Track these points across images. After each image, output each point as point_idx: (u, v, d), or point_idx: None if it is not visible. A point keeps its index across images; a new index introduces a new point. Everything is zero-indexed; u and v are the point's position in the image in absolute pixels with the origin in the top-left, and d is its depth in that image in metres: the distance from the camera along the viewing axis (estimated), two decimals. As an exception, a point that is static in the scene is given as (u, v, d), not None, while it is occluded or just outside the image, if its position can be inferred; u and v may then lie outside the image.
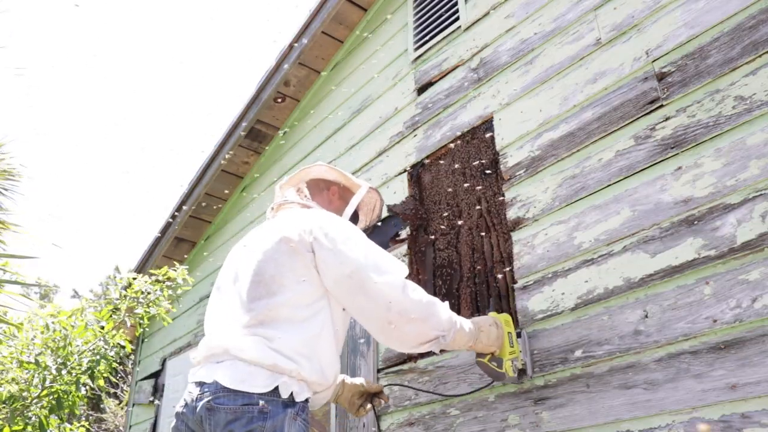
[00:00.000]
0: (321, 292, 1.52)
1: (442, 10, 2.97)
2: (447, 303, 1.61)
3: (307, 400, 1.47)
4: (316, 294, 1.52)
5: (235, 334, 1.48)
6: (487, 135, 2.44)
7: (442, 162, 2.63)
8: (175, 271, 3.48)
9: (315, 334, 1.49)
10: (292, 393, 1.42)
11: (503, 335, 1.73)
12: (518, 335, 1.88)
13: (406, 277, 1.57)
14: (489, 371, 1.73)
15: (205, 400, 1.41)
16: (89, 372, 3.00)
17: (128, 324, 3.36)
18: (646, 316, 1.66)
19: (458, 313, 2.33)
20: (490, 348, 1.70)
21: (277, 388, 1.40)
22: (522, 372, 1.85)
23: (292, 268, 1.51)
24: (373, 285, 1.48)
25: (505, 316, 1.78)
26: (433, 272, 2.49)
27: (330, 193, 1.88)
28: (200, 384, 1.46)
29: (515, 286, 2.06)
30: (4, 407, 2.78)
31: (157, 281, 3.42)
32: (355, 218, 1.93)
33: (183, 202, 4.64)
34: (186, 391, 1.52)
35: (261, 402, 1.37)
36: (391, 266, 1.55)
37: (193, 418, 1.44)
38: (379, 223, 2.80)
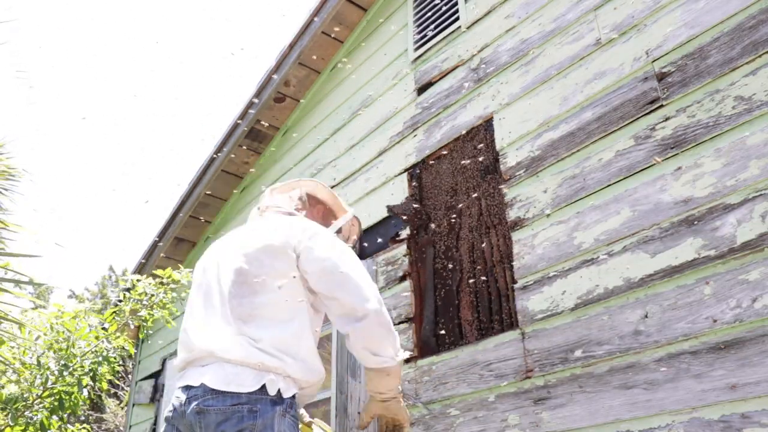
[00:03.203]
0: (301, 294, 1.58)
1: (442, 10, 2.97)
2: None
3: (294, 396, 1.50)
4: (297, 296, 1.57)
5: (219, 336, 1.51)
6: (487, 135, 2.44)
7: (442, 162, 2.63)
8: (180, 273, 3.47)
9: (297, 333, 1.53)
10: (279, 390, 1.44)
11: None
12: None
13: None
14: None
15: (194, 403, 1.43)
16: (91, 374, 3.00)
17: (132, 326, 3.36)
18: (646, 316, 1.66)
19: (458, 313, 2.33)
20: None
21: (264, 386, 1.43)
22: None
23: (274, 267, 1.56)
24: (356, 280, 1.55)
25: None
26: (433, 272, 2.49)
27: (315, 211, 1.94)
28: (187, 388, 1.48)
29: (515, 286, 2.06)
30: (6, 408, 2.78)
31: (161, 283, 3.42)
32: None
33: (183, 202, 4.64)
34: (173, 396, 1.54)
35: (250, 401, 1.40)
36: (369, 277, 1.62)
37: (183, 422, 1.46)
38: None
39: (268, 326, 1.51)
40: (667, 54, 1.86)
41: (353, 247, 2.08)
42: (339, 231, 2.00)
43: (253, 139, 4.18)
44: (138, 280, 3.37)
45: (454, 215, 2.49)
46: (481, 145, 2.46)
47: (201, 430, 1.42)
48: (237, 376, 1.43)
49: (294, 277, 1.57)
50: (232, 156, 4.26)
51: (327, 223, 1.92)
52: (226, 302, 1.55)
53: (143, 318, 3.29)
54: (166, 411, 1.53)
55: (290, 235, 1.60)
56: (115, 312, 3.32)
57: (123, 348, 3.21)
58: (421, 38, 3.05)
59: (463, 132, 2.54)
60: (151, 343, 5.14)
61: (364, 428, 1.72)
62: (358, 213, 2.97)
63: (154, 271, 3.54)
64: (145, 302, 3.31)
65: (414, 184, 2.72)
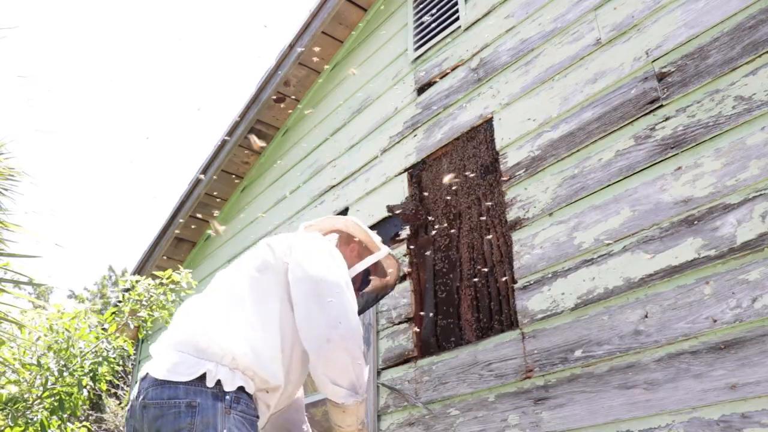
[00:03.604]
0: (279, 293, 1.50)
1: (442, 10, 2.97)
2: None
3: (242, 390, 1.34)
4: (273, 292, 1.49)
5: (183, 323, 1.44)
6: (487, 135, 2.44)
7: (442, 162, 2.63)
8: (179, 274, 3.48)
9: (258, 323, 1.42)
10: (219, 381, 1.30)
11: None
12: None
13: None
14: None
15: (141, 398, 1.33)
16: (91, 374, 3.00)
17: (131, 326, 3.37)
18: (646, 316, 1.66)
19: (458, 313, 2.33)
20: None
21: (203, 375, 1.29)
22: None
23: (256, 256, 1.54)
24: (336, 299, 1.45)
25: None
26: (433, 272, 2.49)
27: (349, 249, 1.87)
28: (140, 381, 1.38)
29: (515, 286, 2.06)
30: (5, 408, 2.78)
31: (161, 284, 3.42)
32: (367, 282, 1.93)
33: (183, 202, 4.64)
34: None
35: (188, 393, 1.27)
36: (354, 301, 1.53)
37: (136, 418, 1.35)
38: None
39: (228, 308, 1.43)
40: (667, 54, 1.86)
41: (391, 288, 2.00)
42: (374, 269, 1.94)
43: (253, 139, 4.18)
44: (137, 281, 3.38)
45: (454, 215, 2.49)
46: (482, 145, 2.46)
47: (145, 426, 1.30)
48: (176, 365, 1.31)
49: (275, 269, 1.51)
50: (233, 156, 4.26)
51: (360, 261, 1.84)
52: (210, 293, 1.53)
53: (143, 318, 3.29)
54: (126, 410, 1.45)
55: (291, 237, 1.60)
56: (114, 312, 3.33)
57: (123, 348, 3.22)
58: (421, 38, 3.05)
59: (463, 132, 2.54)
60: (151, 343, 5.14)
61: None
62: (358, 213, 2.97)
63: (153, 272, 3.55)
64: (144, 303, 3.31)
65: (414, 184, 2.72)
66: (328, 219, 1.93)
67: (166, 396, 1.28)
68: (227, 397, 1.31)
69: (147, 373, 1.36)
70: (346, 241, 1.89)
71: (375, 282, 1.99)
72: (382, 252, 1.88)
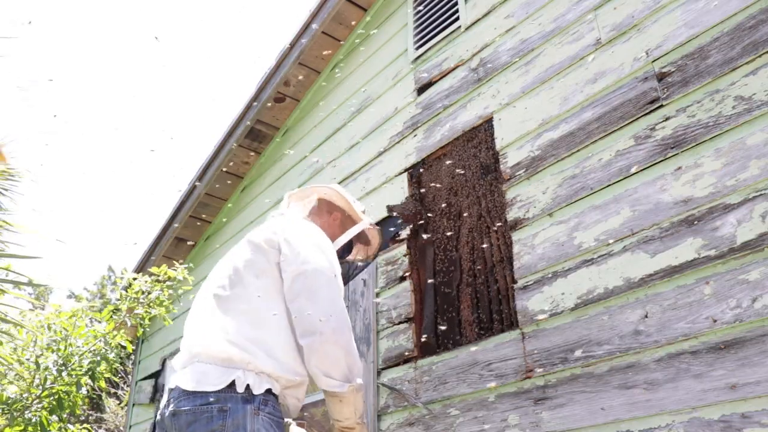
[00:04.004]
0: (280, 292, 1.54)
1: (442, 10, 2.97)
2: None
3: (269, 392, 1.43)
4: (275, 292, 1.54)
5: (200, 333, 1.51)
6: (487, 135, 2.44)
7: (442, 162, 2.63)
8: (175, 270, 3.48)
9: (271, 329, 1.49)
10: (248, 386, 1.40)
11: None
12: None
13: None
14: None
15: (171, 407, 1.43)
16: (90, 373, 3.00)
17: (129, 324, 3.37)
18: (646, 316, 1.66)
19: (458, 313, 2.33)
20: None
21: (233, 382, 1.39)
22: None
23: (254, 262, 1.56)
24: (325, 292, 1.50)
25: None
26: (433, 272, 2.49)
27: (332, 218, 1.91)
28: (169, 391, 1.49)
29: (515, 286, 2.06)
30: (5, 408, 2.78)
31: (158, 281, 3.42)
32: (349, 249, 1.97)
33: (183, 202, 4.64)
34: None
35: (219, 400, 1.37)
36: (342, 289, 1.59)
37: (165, 425, 1.46)
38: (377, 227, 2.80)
39: (241, 318, 1.49)
40: (667, 54, 1.86)
41: (373, 258, 2.06)
42: (357, 238, 1.97)
43: (253, 139, 4.19)
44: (134, 279, 3.38)
45: (454, 215, 2.49)
46: (482, 145, 2.46)
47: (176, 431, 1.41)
48: (204, 375, 1.41)
49: (271, 272, 1.55)
50: (233, 156, 4.26)
51: (343, 231, 1.89)
52: (212, 303, 1.56)
53: (140, 316, 3.29)
54: (157, 415, 1.54)
55: (276, 233, 1.60)
56: (112, 310, 3.33)
57: (121, 347, 3.22)
58: (421, 38, 3.05)
59: (463, 132, 2.54)
60: (150, 343, 5.14)
61: None
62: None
63: (150, 269, 3.54)
64: (141, 300, 3.31)
65: (414, 184, 2.72)
66: (310, 189, 1.95)
67: (199, 403, 1.38)
68: (256, 399, 1.40)
69: (177, 385, 1.45)
70: (328, 209, 1.92)
71: (357, 250, 2.03)
72: (364, 222, 1.92)
